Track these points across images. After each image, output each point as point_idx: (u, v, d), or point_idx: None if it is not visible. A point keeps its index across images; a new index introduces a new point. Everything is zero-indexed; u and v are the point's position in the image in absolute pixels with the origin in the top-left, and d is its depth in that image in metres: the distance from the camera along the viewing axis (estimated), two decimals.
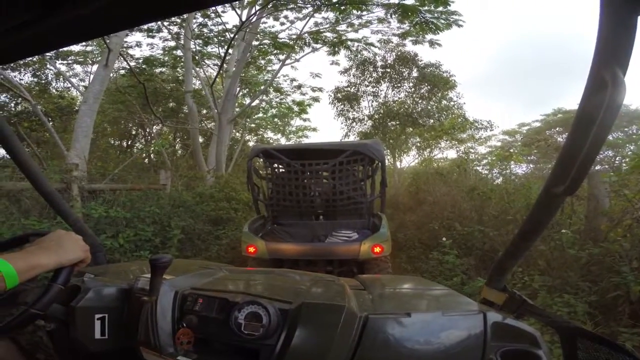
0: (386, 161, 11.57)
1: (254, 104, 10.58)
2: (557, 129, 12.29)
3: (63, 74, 8.58)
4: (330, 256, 3.28)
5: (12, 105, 7.81)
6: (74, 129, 5.67)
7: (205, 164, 8.53)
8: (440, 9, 6.66)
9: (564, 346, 0.78)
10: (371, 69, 11.05)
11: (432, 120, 10.29)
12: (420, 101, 10.75)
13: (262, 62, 10.45)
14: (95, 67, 8.32)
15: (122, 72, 9.92)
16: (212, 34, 9.16)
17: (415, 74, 10.67)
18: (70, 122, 7.57)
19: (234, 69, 8.39)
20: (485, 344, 0.78)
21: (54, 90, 8.99)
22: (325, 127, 37.22)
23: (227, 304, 0.89)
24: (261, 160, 3.91)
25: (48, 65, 8.36)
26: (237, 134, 12.09)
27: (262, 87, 10.17)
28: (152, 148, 10.27)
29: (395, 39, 9.00)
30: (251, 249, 3.25)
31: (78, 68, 9.58)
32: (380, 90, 11.36)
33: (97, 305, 0.95)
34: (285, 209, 3.99)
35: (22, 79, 7.89)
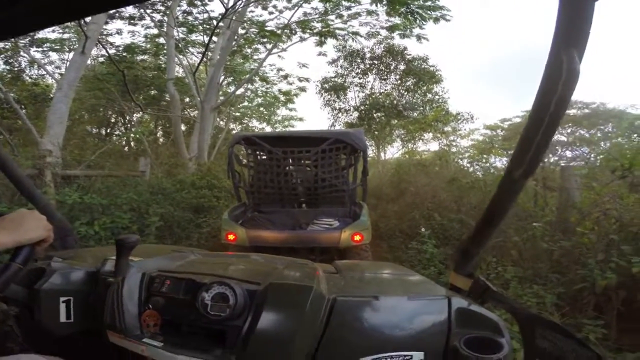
0: (371, 152, 11.70)
1: (238, 92, 10.48)
2: None
3: (37, 61, 8.24)
4: (311, 244, 3.30)
5: None
6: (48, 115, 5.44)
7: (187, 151, 8.40)
8: (429, 2, 6.69)
9: (523, 333, 0.80)
10: (359, 61, 11.12)
11: (416, 113, 10.42)
12: (405, 94, 10.88)
13: (249, 50, 10.30)
14: (71, 55, 7.99)
15: (102, 59, 9.69)
16: (196, 22, 8.94)
17: (402, 67, 10.80)
18: (44, 110, 7.26)
19: (218, 57, 8.26)
20: (449, 330, 0.79)
21: (27, 78, 8.69)
22: (312, 117, 37.01)
23: (194, 285, 0.88)
24: (243, 147, 3.86)
25: (22, 53, 8.07)
26: (221, 122, 11.92)
27: (247, 76, 10.02)
28: (132, 135, 10.02)
29: (383, 32, 9.00)
30: (231, 237, 3.23)
31: (54, 56, 9.19)
32: (367, 82, 11.49)
33: (63, 288, 0.94)
34: (266, 197, 3.98)
35: None
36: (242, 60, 10.81)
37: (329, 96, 11.72)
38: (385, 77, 11.13)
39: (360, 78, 11.41)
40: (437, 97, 10.84)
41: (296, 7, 7.94)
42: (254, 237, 3.23)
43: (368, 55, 10.92)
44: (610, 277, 2.29)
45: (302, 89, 11.38)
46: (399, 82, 10.96)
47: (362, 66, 11.18)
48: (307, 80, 10.94)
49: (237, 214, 3.66)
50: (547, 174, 3.74)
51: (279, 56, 10.08)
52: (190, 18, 8.86)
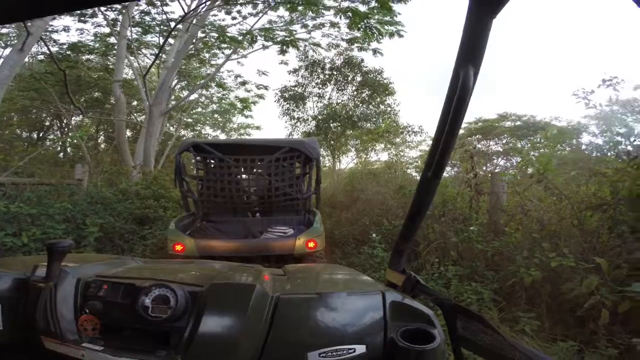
0: (327, 161, 11.85)
1: (191, 97, 10.08)
2: (477, 136, 13.82)
3: None
4: (265, 252, 3.27)
5: None
6: None
7: (131, 159, 7.86)
8: (387, 18, 7.13)
9: (447, 322, 0.88)
10: (319, 71, 11.34)
11: (369, 124, 10.85)
12: (361, 105, 11.28)
13: (206, 55, 10.01)
14: (7, 51, 7.05)
15: (41, 57, 8.81)
16: (153, 23, 8.51)
17: (359, 78, 11.18)
18: None
19: (173, 60, 7.93)
20: (386, 323, 0.84)
21: None
22: (269, 125, 36.79)
23: (134, 288, 0.87)
24: (192, 155, 3.75)
25: None
26: (171, 128, 11.38)
27: (203, 81, 9.69)
28: (69, 140, 9.15)
29: (343, 44, 9.34)
30: (178, 247, 3.10)
31: None
32: (326, 92, 11.72)
33: None
34: (217, 206, 3.88)
35: None
36: (198, 65, 10.49)
37: (288, 105, 11.75)
38: (343, 87, 11.46)
39: (319, 88, 11.62)
40: (389, 109, 11.36)
41: (261, 15, 7.91)
42: (204, 247, 3.13)
43: (328, 65, 11.22)
44: (535, 273, 2.53)
45: (261, 97, 11.32)
46: (355, 93, 11.33)
47: (322, 76, 11.42)
48: (265, 88, 10.90)
49: (185, 224, 3.52)
50: (481, 181, 4.14)
51: (238, 62, 9.87)
52: (147, 18, 8.44)
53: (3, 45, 8.18)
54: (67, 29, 8.47)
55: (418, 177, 7.05)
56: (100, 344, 0.83)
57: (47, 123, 10.77)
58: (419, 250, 3.73)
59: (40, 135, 10.79)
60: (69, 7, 0.59)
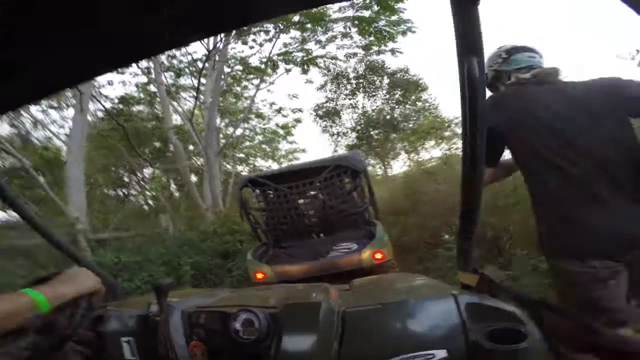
0: (377, 169, 11.44)
1: (237, 133, 10.45)
2: None
3: (41, 122, 7.95)
4: (334, 270, 3.34)
5: None
6: (67, 183, 5.62)
7: (202, 201, 8.40)
8: (395, 17, 7.04)
9: (533, 319, 0.82)
10: (345, 82, 11.28)
11: (411, 124, 10.50)
12: (396, 107, 10.98)
13: (238, 89, 10.38)
14: (70, 111, 7.70)
15: (100, 114, 9.12)
16: (182, 65, 8.97)
17: (386, 81, 10.97)
18: (61, 174, 7.00)
19: (210, 99, 8.25)
20: (464, 326, 0.80)
21: (35, 141, 8.14)
22: (313, 146, 37.00)
23: (225, 315, 1.00)
24: (250, 189, 3.98)
25: (23, 113, 7.41)
26: (228, 165, 11.79)
27: (242, 115, 10.04)
28: (148, 193, 10.14)
29: (360, 52, 9.25)
30: (259, 275, 3.33)
31: (53, 113, 8.64)
32: (357, 102, 11.59)
33: (121, 329, 1.05)
34: (283, 232, 4.06)
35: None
36: (234, 100, 10.83)
37: (324, 122, 11.85)
38: (373, 93, 11.29)
39: (350, 99, 11.53)
40: (427, 104, 10.96)
41: (274, 39, 8.07)
42: (280, 273, 3.31)
43: (352, 75, 11.13)
44: None
45: (298, 120, 11.46)
46: (387, 96, 11.13)
47: (349, 87, 11.35)
48: (300, 110, 11.03)
49: (260, 253, 3.75)
50: None
51: (268, 90, 10.26)
52: (174, 62, 8.84)
53: (65, 106, 8.45)
54: (110, 83, 8.86)
55: None
56: None
57: (126, 179, 11.68)
58: (502, 245, 3.46)
59: (125, 192, 11.87)
60: (115, 65, 0.54)
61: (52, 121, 8.45)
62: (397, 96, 11.00)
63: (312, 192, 3.96)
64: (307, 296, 1.16)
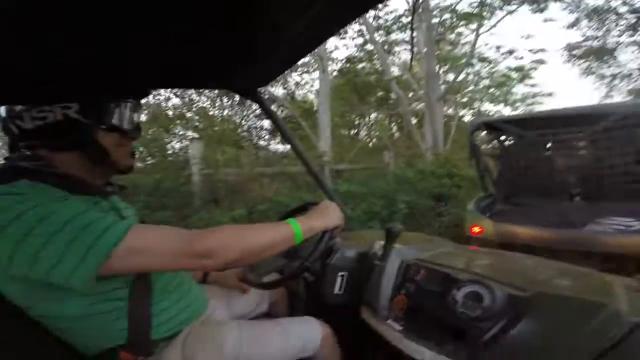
0: None
1: (458, 79, 9.87)
2: None
3: (299, 84, 10.84)
4: (590, 248, 2.49)
5: (280, 112, 10.43)
6: (319, 125, 7.39)
7: (422, 142, 8.70)
8: None
9: None
10: (614, 17, 8.62)
11: None
12: None
13: (452, 36, 9.84)
14: (315, 74, 10.02)
15: (335, 73, 11.22)
16: (388, 23, 9.22)
17: None
18: (313, 120, 9.31)
19: (425, 49, 8.30)
20: None
21: (298, 98, 11.33)
22: (563, 90, 28.96)
23: (448, 279, 0.89)
24: (485, 133, 3.47)
25: (288, 78, 10.59)
26: (450, 110, 11.59)
27: (463, 61, 9.59)
28: (373, 133, 11.41)
29: None
30: (476, 229, 2.98)
31: (305, 76, 11.58)
32: None
33: (342, 264, 1.11)
34: (520, 187, 3.36)
35: (277, 92, 10.39)
36: (450, 48, 10.39)
37: (588, 63, 9.62)
38: None
39: (630, 35, 8.67)
40: None
41: None
42: (505, 233, 2.82)
43: (625, 9, 8.11)
44: None
45: (540, 62, 9.89)
46: None
47: (622, 22, 8.54)
48: (542, 51, 9.52)
49: (483, 206, 3.32)
50: None
51: (491, 33, 9.14)
52: (380, 21, 9.20)
53: (311, 70, 10.94)
54: (337, 48, 10.76)
55: None
56: (400, 323, 0.89)
57: (357, 122, 13.70)
58: None
59: (355, 132, 13.88)
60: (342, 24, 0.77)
61: (305, 82, 11.42)
62: None
63: (580, 144, 3.04)
64: (573, 285, 0.86)
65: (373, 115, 12.53)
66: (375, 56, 10.03)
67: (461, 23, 8.92)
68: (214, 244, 0.73)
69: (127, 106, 0.87)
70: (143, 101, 0.99)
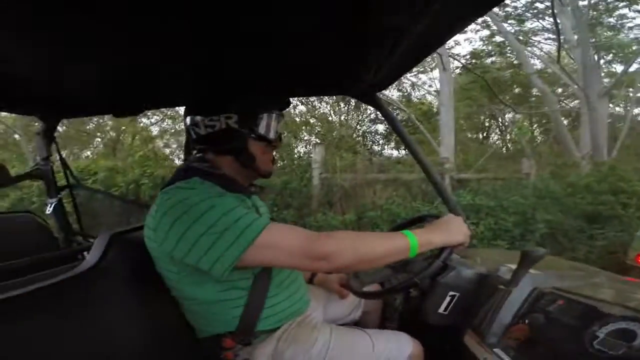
0: None
1: (631, 69, 7.55)
2: None
3: (416, 85, 10.17)
4: None
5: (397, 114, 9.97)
6: (440, 128, 6.81)
7: (575, 149, 7.06)
8: None
9: None
10: None
11: None
12: None
13: (611, 20, 7.65)
14: (434, 73, 9.44)
15: (458, 71, 10.21)
16: (518, 11, 7.81)
17: None
18: (432, 123, 8.79)
19: (575, 37, 6.83)
20: None
21: (414, 99, 10.57)
22: None
23: (593, 312, 0.74)
24: None
25: (403, 80, 9.91)
26: (617, 108, 9.26)
27: (634, 48, 7.46)
28: (509, 137, 9.88)
29: None
30: None
31: (422, 77, 10.77)
32: None
33: (455, 283, 1.01)
34: None
35: (392, 95, 9.87)
36: (610, 33, 8.03)
37: None
38: None
39: None
40: None
41: None
42: None
43: None
44: None
45: None
46: None
47: None
48: None
49: None
50: None
51: None
52: (507, 9, 7.85)
53: (429, 69, 10.14)
54: (457, 43, 9.22)
55: None
56: (511, 354, 0.78)
57: (486, 124, 12.11)
58: None
59: (484, 134, 12.29)
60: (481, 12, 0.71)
61: (422, 83, 10.78)
62: None
63: None
64: None
65: (508, 116, 10.91)
66: (508, 48, 8.80)
67: (621, 4, 7.14)
68: (332, 248, 0.78)
69: (273, 117, 0.98)
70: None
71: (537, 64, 8.75)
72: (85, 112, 1.58)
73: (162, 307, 0.91)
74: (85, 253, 1.40)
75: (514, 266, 0.94)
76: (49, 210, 1.54)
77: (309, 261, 0.79)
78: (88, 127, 9.80)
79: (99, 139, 10.29)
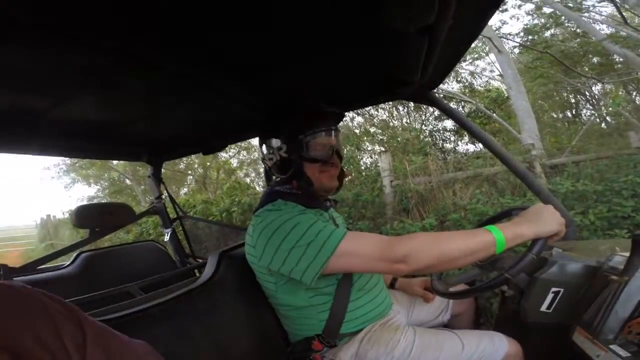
0: None
1: None
2: None
3: (475, 73, 9.49)
4: None
5: (461, 108, 9.22)
6: (516, 113, 6.20)
7: None
8: None
9: None
10: None
11: None
12: None
13: None
14: (491, 57, 8.84)
15: (516, 50, 9.44)
16: None
17: None
18: (506, 109, 8.02)
19: None
20: None
21: (478, 87, 9.68)
22: None
23: None
24: None
25: (459, 70, 9.29)
26: None
27: None
28: (605, 110, 8.47)
29: None
30: None
31: (479, 63, 10.24)
32: None
33: (557, 279, 0.93)
34: None
35: (452, 88, 9.19)
36: None
37: None
38: None
39: None
40: None
41: None
42: None
43: None
44: None
45: None
46: None
47: None
48: None
49: None
50: None
51: None
52: None
53: (485, 54, 9.52)
54: (504, 22, 8.70)
55: None
56: (631, 350, 0.70)
57: (572, 100, 10.69)
58: None
59: (574, 112, 10.83)
60: None
61: (482, 69, 10.50)
62: None
63: None
64: None
65: (597, 88, 9.41)
66: (562, 18, 7.77)
67: None
68: (409, 249, 0.79)
69: (321, 135, 1.01)
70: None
71: (605, 29, 7.59)
72: (182, 152, 1.89)
73: (262, 313, 1.04)
74: (195, 271, 1.67)
75: (627, 254, 0.84)
76: (166, 238, 1.87)
77: (387, 264, 0.81)
78: (180, 166, 11.33)
79: (191, 176, 11.79)
